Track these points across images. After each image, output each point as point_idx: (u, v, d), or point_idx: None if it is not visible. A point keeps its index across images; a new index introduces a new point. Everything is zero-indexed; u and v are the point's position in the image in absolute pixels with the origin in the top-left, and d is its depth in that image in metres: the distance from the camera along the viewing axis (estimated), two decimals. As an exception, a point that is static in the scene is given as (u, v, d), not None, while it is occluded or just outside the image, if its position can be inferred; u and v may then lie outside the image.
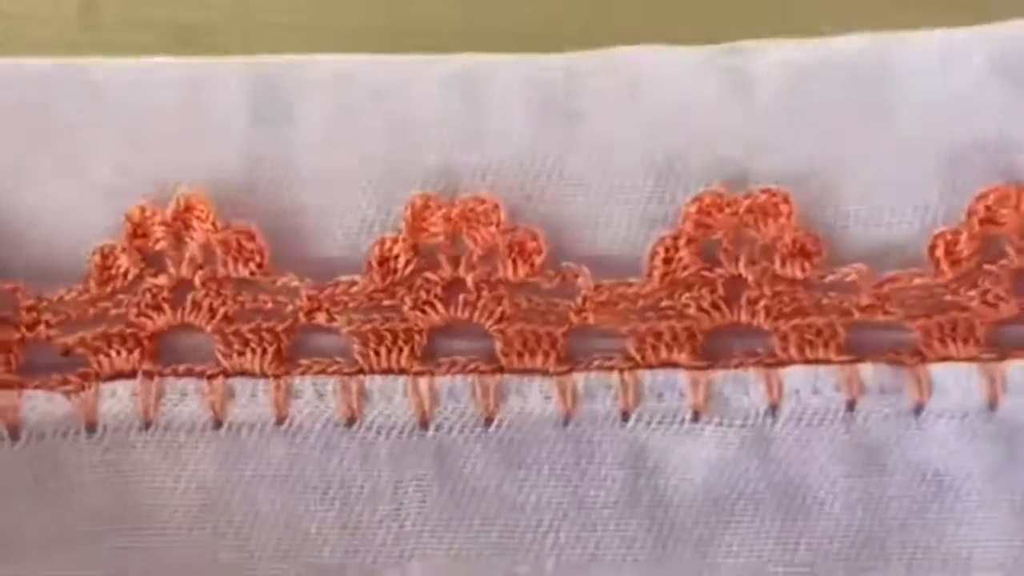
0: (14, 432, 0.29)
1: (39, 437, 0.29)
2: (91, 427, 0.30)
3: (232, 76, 0.31)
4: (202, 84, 0.30)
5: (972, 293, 0.30)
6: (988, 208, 0.30)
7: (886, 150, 0.30)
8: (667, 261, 0.30)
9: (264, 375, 0.30)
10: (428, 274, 0.30)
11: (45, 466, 0.30)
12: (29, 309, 0.30)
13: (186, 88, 0.30)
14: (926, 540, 0.31)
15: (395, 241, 0.30)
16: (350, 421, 0.30)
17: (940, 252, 0.30)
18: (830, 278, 0.30)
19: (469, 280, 0.30)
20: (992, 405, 0.30)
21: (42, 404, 0.29)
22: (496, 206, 0.30)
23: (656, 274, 0.30)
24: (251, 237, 0.30)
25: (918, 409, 0.30)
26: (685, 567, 0.31)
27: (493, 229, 0.30)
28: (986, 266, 0.30)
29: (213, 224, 0.29)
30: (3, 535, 0.30)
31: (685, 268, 0.30)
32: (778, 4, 0.42)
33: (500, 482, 0.30)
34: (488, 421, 0.30)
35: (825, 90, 0.30)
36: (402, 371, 0.30)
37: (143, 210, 0.30)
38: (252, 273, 0.30)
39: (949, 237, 0.30)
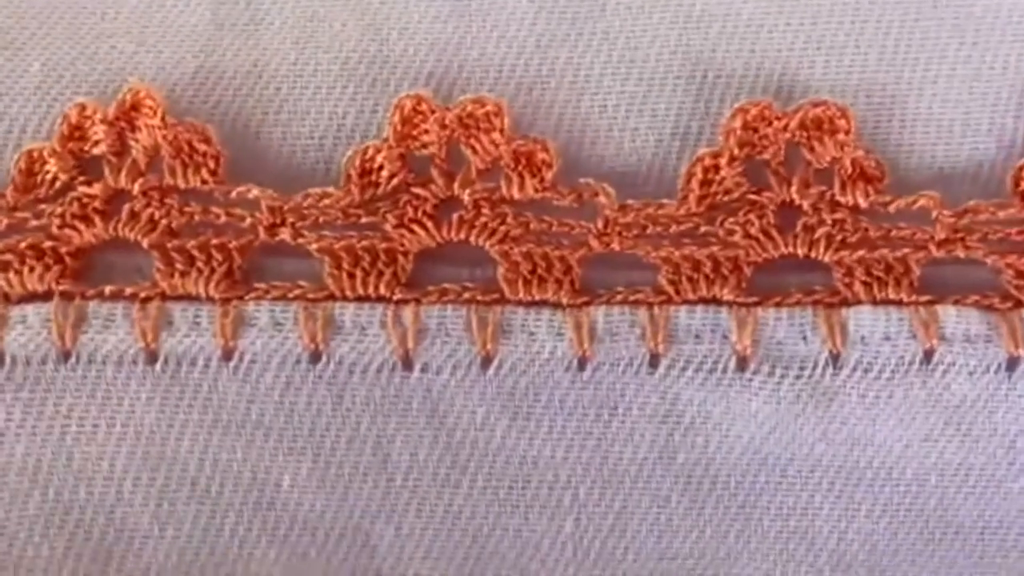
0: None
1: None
2: (-2, 360, 0.24)
3: None
4: None
5: (1069, 228, 0.25)
6: None
7: (959, 64, 0.26)
8: (707, 183, 0.25)
9: (210, 299, 0.24)
10: (418, 189, 0.25)
11: None
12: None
13: None
14: (1003, 512, 0.25)
15: (378, 149, 0.25)
16: (315, 357, 0.24)
17: (1025, 184, 0.25)
18: (897, 205, 0.25)
19: (466, 196, 0.25)
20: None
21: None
22: (500, 109, 0.25)
23: (693, 196, 0.25)
24: (205, 139, 0.25)
25: (1013, 364, 0.24)
26: (725, 530, 0.25)
27: (496, 136, 0.25)
28: (1080, 202, 0.25)
29: (162, 121, 0.24)
30: None
31: (728, 191, 0.25)
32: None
33: (505, 434, 0.25)
34: (486, 362, 0.24)
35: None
36: (381, 299, 0.24)
37: (83, 108, 0.25)
38: (204, 181, 0.25)
39: (1032, 167, 0.25)
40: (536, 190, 0.25)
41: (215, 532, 0.25)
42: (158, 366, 0.24)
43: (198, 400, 0.24)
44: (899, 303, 0.25)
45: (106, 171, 0.25)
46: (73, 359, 0.24)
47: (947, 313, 0.25)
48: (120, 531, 0.25)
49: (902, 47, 0.26)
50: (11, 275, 0.24)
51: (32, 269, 0.24)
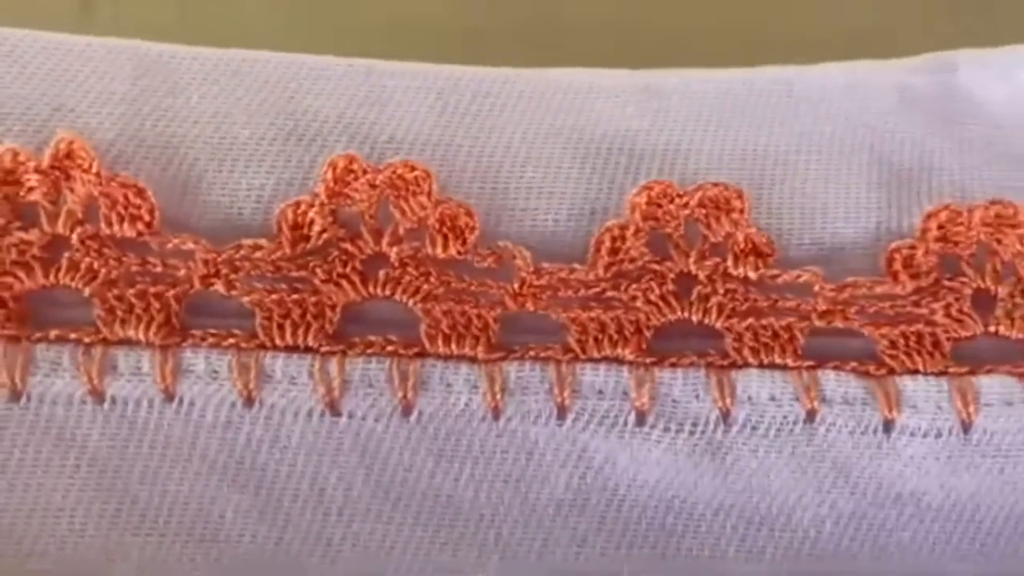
0: None
1: None
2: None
3: (117, 51, 0.28)
4: (87, 54, 0.28)
5: (936, 307, 0.28)
6: (940, 227, 0.28)
7: (821, 163, 0.29)
8: (614, 251, 0.27)
9: (150, 345, 0.26)
10: (347, 244, 0.27)
11: None
12: None
13: (70, 55, 0.28)
14: (898, 559, 0.27)
15: (311, 205, 0.26)
16: (249, 402, 0.25)
17: (898, 264, 0.28)
18: (783, 278, 0.28)
19: (393, 254, 0.27)
20: (967, 425, 0.27)
21: None
22: (427, 174, 0.27)
23: (601, 263, 0.27)
24: (139, 192, 0.26)
25: (888, 425, 0.27)
26: (641, 570, 0.27)
27: (423, 200, 0.27)
28: (947, 282, 0.28)
29: (97, 175, 0.26)
30: None
31: (633, 260, 0.27)
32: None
33: (432, 474, 0.26)
34: (407, 411, 0.26)
35: (745, 105, 0.29)
36: (308, 350, 0.26)
37: (15, 154, 0.26)
38: (140, 233, 0.26)
39: (905, 252, 0.28)
40: (458, 251, 0.27)
41: (160, 562, 0.26)
42: (106, 405, 0.25)
43: (146, 437, 0.26)
44: (784, 367, 0.27)
45: (42, 218, 0.26)
46: (25, 399, 0.25)
47: (827, 377, 0.27)
48: (71, 561, 0.26)
49: (785, 134, 0.29)
50: (-46, 319, 0.25)
51: (-26, 314, 0.25)
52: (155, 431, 0.26)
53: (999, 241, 0.28)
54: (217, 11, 0.41)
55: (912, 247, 0.28)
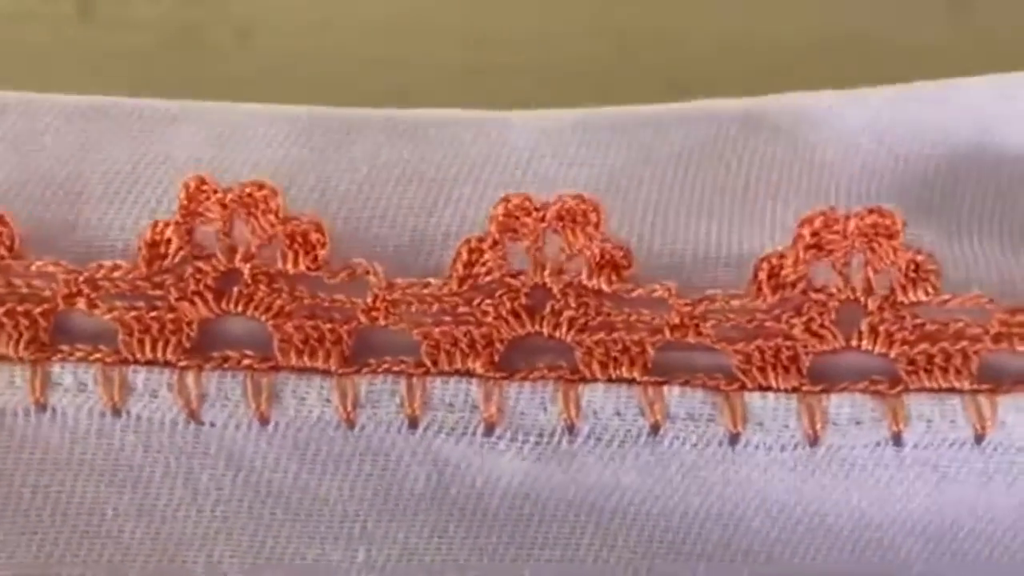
0: None
1: None
2: None
3: None
4: None
5: (796, 321, 0.28)
6: (815, 234, 0.27)
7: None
8: (469, 264, 0.28)
9: (21, 360, 0.27)
10: (200, 263, 0.27)
11: None
12: None
13: None
14: (752, 547, 0.29)
15: (167, 225, 0.27)
16: (116, 412, 0.27)
17: (763, 275, 0.28)
18: (637, 292, 0.28)
19: (246, 271, 0.27)
20: (813, 441, 0.28)
21: None
22: (275, 192, 0.27)
23: (457, 277, 0.28)
24: (0, 220, 0.27)
25: (734, 439, 0.28)
26: (501, 556, 0.29)
27: (272, 218, 0.27)
28: (812, 294, 0.28)
29: None
30: None
31: (488, 273, 0.28)
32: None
33: (297, 473, 0.28)
34: (264, 421, 0.28)
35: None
36: (168, 364, 0.28)
37: None
38: (2, 257, 0.27)
39: (774, 261, 0.28)
40: (308, 267, 0.27)
41: (45, 559, 0.28)
42: None
43: (27, 443, 0.28)
44: (631, 382, 0.28)
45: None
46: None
47: (672, 393, 0.28)
48: None
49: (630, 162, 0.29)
50: None
51: None
52: (33, 439, 0.28)
53: (873, 251, 0.28)
54: (217, 11, 0.41)
55: (782, 256, 0.28)
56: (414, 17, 0.42)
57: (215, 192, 0.27)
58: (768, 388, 0.28)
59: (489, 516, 0.29)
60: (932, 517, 0.29)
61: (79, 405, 0.27)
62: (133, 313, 0.27)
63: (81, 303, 0.27)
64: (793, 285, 0.28)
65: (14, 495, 0.28)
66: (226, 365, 0.28)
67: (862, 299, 0.28)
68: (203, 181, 0.27)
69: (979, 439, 0.28)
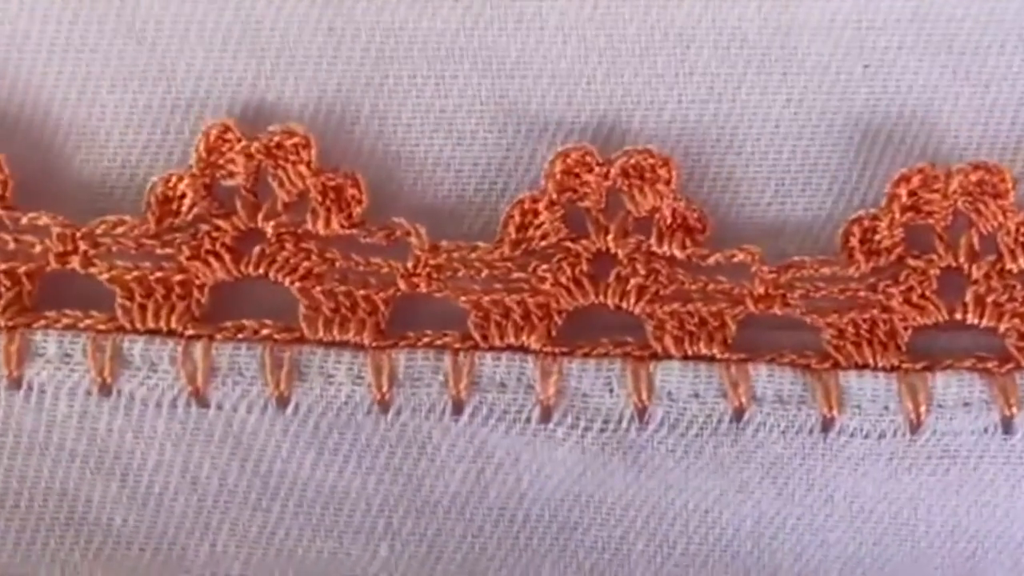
0: None
1: None
2: None
3: None
4: None
5: (893, 290, 0.25)
6: (912, 193, 0.25)
7: (785, 120, 0.25)
8: (523, 227, 0.24)
9: (-3, 327, 0.23)
10: (219, 220, 0.24)
11: None
12: None
13: None
14: (820, 558, 0.25)
15: (181, 178, 0.24)
16: (105, 391, 0.23)
17: (855, 240, 0.25)
18: (715, 258, 0.24)
19: (269, 229, 0.24)
20: (915, 427, 0.24)
21: None
22: (308, 141, 0.24)
23: (509, 240, 0.24)
24: None
25: (827, 425, 0.24)
26: (540, 560, 0.25)
27: (303, 169, 0.24)
28: (911, 260, 0.25)
29: None
30: None
31: (544, 236, 0.24)
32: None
33: (314, 466, 0.24)
34: (282, 403, 0.23)
35: (710, 50, 0.25)
36: (172, 333, 0.24)
37: None
38: (-8, 207, 0.24)
39: (866, 224, 0.25)
40: (343, 226, 0.24)
41: (27, 545, 0.25)
42: None
43: None
44: (711, 359, 0.24)
45: None
46: None
47: (759, 372, 0.24)
48: None
49: (725, 101, 0.25)
50: None
51: None
52: (5, 420, 0.24)
53: (979, 212, 0.25)
54: None
55: (875, 219, 0.25)
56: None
57: (239, 141, 0.24)
58: (865, 366, 0.24)
59: (532, 518, 0.25)
60: None
61: (60, 381, 0.23)
62: (135, 273, 0.24)
63: (75, 262, 0.24)
64: (889, 251, 0.25)
65: None
66: (241, 336, 0.24)
67: (966, 266, 0.25)
68: (226, 128, 0.24)
69: (1097, 426, 0.24)
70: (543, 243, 0.24)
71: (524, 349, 0.24)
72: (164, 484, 0.24)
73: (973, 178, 0.24)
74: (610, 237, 0.24)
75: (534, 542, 0.25)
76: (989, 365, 0.24)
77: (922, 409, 0.24)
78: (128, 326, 0.23)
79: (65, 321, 0.23)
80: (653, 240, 0.24)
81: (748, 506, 0.25)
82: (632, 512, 0.25)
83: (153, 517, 0.25)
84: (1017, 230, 0.25)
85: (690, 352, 0.24)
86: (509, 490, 0.25)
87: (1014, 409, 0.24)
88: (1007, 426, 0.24)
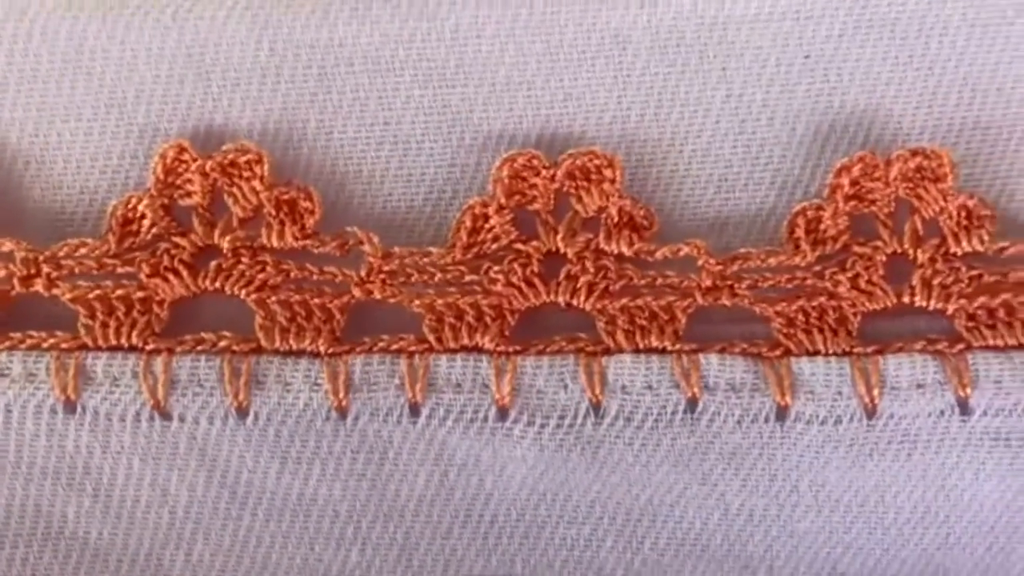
0: None
1: None
2: None
3: None
4: None
5: (841, 277, 0.25)
6: (854, 182, 0.25)
7: (725, 116, 0.26)
8: (474, 231, 0.25)
9: (-39, 350, 0.24)
10: (177, 237, 0.25)
11: None
12: None
13: None
14: (791, 548, 0.25)
15: (140, 199, 0.25)
16: (69, 408, 0.24)
17: (800, 231, 0.25)
18: (662, 253, 0.25)
19: (225, 244, 0.25)
20: (871, 411, 0.24)
21: None
22: (260, 157, 0.25)
23: (460, 245, 0.25)
24: None
25: (782, 413, 0.24)
26: (511, 559, 0.25)
27: (256, 184, 0.25)
28: (856, 248, 0.25)
29: None
30: None
31: (495, 239, 0.25)
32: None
33: (279, 475, 0.25)
34: (242, 412, 0.24)
35: (647, 50, 0.26)
36: (133, 348, 0.24)
37: None
38: (-44, 235, 0.24)
39: (811, 214, 0.25)
40: (297, 238, 0.25)
41: (6, 562, 0.25)
42: None
43: None
44: (662, 351, 0.25)
45: None
46: None
47: (709, 362, 0.24)
48: None
49: (665, 100, 0.26)
50: None
51: None
52: None
53: (920, 198, 0.25)
54: None
55: (819, 209, 0.25)
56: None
57: (194, 160, 0.25)
58: (816, 353, 0.25)
59: (500, 519, 0.25)
60: (1005, 510, 0.25)
61: (25, 400, 0.24)
62: (97, 292, 0.24)
63: (39, 284, 0.24)
64: (834, 239, 0.25)
65: None
66: (200, 348, 0.24)
67: (911, 251, 0.25)
68: (182, 149, 0.25)
69: (1053, 401, 0.24)
70: (494, 246, 0.25)
71: (478, 349, 0.25)
72: (135, 498, 0.25)
73: (912, 164, 0.25)
74: (559, 237, 0.25)
75: (503, 542, 0.25)
76: (940, 347, 0.25)
77: (875, 392, 0.24)
78: (91, 343, 0.24)
79: (29, 342, 0.24)
80: (601, 238, 0.25)
81: (713, 499, 0.25)
82: (598, 509, 0.25)
83: (127, 530, 0.25)
84: (959, 213, 0.25)
85: (641, 345, 0.25)
86: (474, 491, 0.25)
87: (968, 389, 0.24)
88: (963, 407, 0.24)
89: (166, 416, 0.24)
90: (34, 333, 0.24)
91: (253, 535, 0.25)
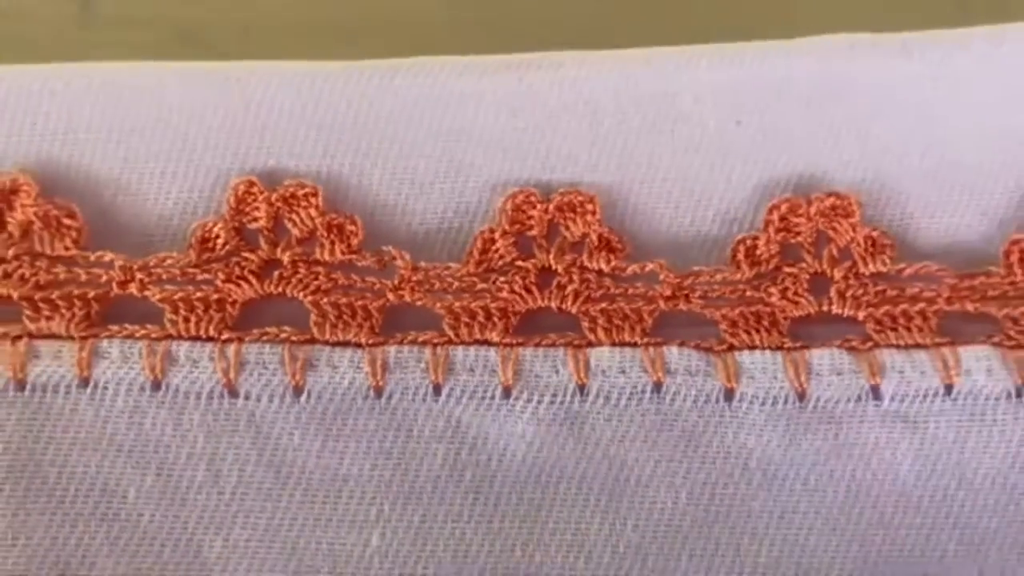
0: None
1: None
2: None
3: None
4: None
5: (773, 289, 0.32)
6: (782, 218, 0.32)
7: (677, 165, 0.32)
8: (484, 251, 0.31)
9: (70, 337, 0.30)
10: (247, 253, 0.31)
11: None
12: None
13: None
14: (751, 529, 0.30)
15: (215, 223, 0.31)
16: (155, 385, 0.29)
17: (741, 255, 0.32)
18: (632, 269, 0.31)
19: (286, 258, 0.31)
20: (801, 394, 0.30)
21: None
22: (316, 191, 0.31)
23: (473, 261, 0.31)
24: (70, 214, 0.30)
25: (729, 395, 0.30)
26: (512, 543, 0.30)
27: (312, 212, 0.31)
28: (786, 268, 0.32)
29: (35, 200, 0.30)
30: None
31: (501, 257, 0.31)
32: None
33: (319, 453, 0.30)
34: (298, 390, 0.30)
35: (612, 115, 0.31)
36: (210, 339, 0.30)
37: None
38: (67, 248, 0.30)
39: (749, 243, 0.32)
40: (343, 253, 0.31)
41: (63, 541, 0.29)
42: (26, 392, 0.29)
43: (61, 421, 0.29)
44: (633, 344, 0.31)
45: (-10, 239, 0.30)
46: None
47: (671, 351, 0.31)
48: None
49: (627, 154, 0.32)
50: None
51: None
52: (69, 416, 0.29)
53: (835, 230, 0.32)
54: (218, 10, 0.41)
55: (755, 239, 0.32)
56: (416, 17, 0.42)
57: (261, 193, 0.31)
58: (755, 347, 0.31)
59: (503, 501, 0.30)
60: (920, 485, 0.31)
61: (121, 377, 0.29)
62: (180, 294, 0.30)
63: (133, 287, 0.30)
64: (767, 261, 0.32)
65: (40, 475, 0.29)
66: (265, 338, 0.30)
67: (829, 270, 0.32)
68: (252, 184, 0.31)
69: (948, 389, 0.31)
70: (500, 263, 0.31)
71: (488, 342, 0.31)
72: (191, 478, 0.29)
73: (828, 203, 0.32)
74: (551, 256, 0.31)
75: (505, 526, 0.30)
76: (854, 343, 0.31)
77: (803, 378, 0.30)
78: (175, 335, 0.30)
79: (125, 332, 0.30)
80: (585, 258, 0.31)
81: (679, 477, 0.30)
82: (585, 489, 0.30)
83: (177, 512, 0.29)
84: (865, 241, 0.32)
85: (617, 340, 0.31)
86: (482, 472, 0.30)
87: (878, 378, 0.31)
88: (875, 392, 0.31)
89: (234, 393, 0.30)
90: (129, 326, 0.30)
91: (287, 518, 0.29)
